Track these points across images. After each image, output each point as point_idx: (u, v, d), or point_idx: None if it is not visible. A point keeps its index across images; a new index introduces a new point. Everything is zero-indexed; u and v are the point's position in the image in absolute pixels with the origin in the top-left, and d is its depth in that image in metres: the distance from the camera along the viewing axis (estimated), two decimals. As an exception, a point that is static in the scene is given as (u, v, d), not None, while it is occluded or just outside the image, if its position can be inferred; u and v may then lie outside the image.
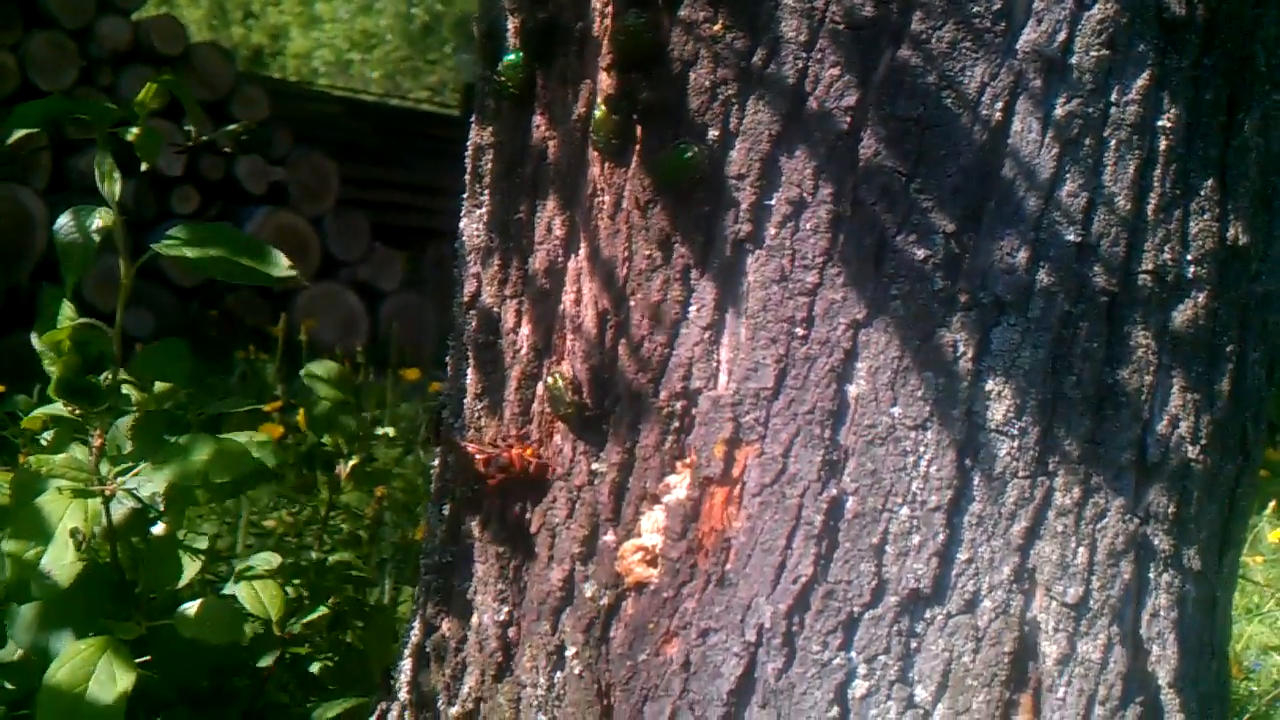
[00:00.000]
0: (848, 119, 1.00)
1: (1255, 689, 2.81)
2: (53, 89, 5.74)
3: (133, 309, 5.37)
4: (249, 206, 5.94)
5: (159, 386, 1.51)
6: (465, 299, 1.19)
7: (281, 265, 1.31)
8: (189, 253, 1.30)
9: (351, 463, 1.78)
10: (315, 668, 1.63)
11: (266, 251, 1.32)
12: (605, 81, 1.05)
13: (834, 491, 1.00)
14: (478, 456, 1.10)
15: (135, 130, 1.45)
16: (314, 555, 1.88)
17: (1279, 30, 1.08)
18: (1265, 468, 5.39)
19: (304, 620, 1.54)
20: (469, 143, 1.20)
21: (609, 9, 1.04)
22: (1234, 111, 1.06)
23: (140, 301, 5.36)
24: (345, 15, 15.10)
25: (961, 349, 1.00)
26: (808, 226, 1.01)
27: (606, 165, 1.06)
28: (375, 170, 7.31)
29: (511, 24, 1.11)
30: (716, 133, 1.02)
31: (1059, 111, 0.99)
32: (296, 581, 1.66)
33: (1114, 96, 1.00)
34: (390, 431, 2.73)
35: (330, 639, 1.76)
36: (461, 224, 1.21)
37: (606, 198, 1.06)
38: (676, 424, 1.04)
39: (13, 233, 5.24)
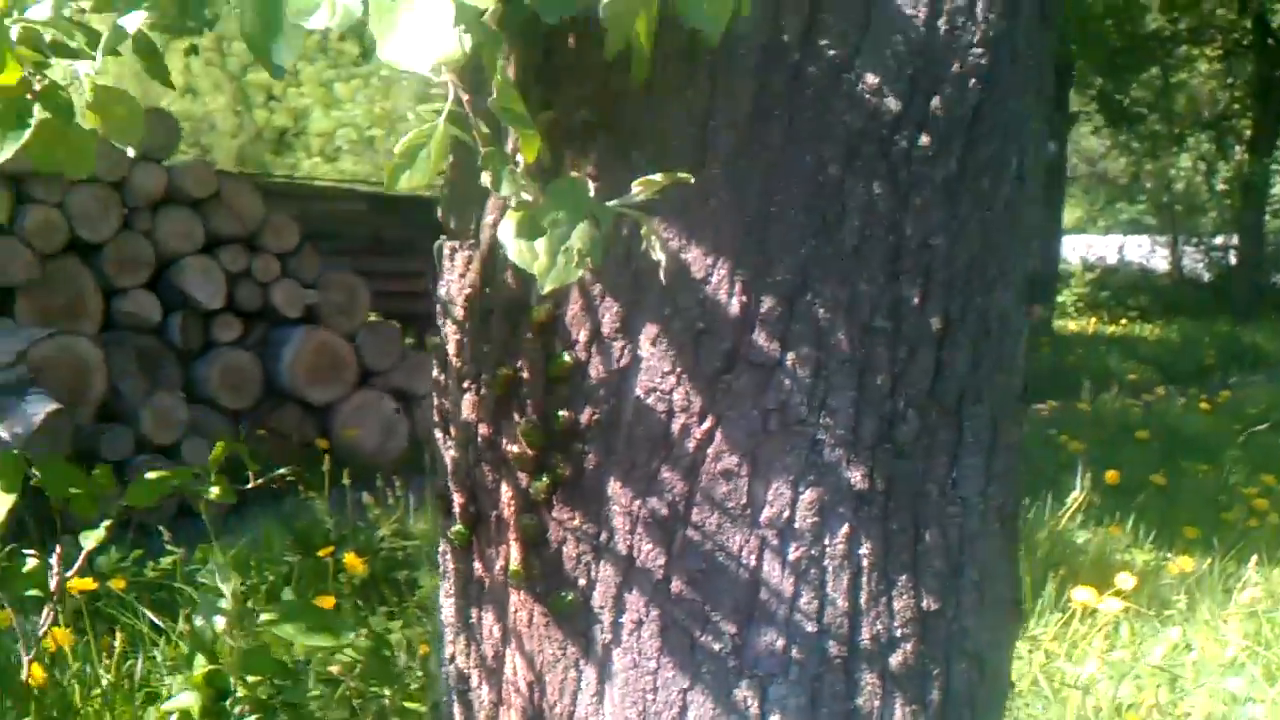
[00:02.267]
0: (663, 571, 1.61)
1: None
2: (97, 240, 6.34)
3: (190, 439, 6.02)
4: (286, 328, 6.61)
5: None
6: (447, 657, 1.82)
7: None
8: None
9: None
10: None
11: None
12: (516, 550, 1.67)
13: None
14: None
15: (215, 490, 2.10)
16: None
17: (947, 469, 1.68)
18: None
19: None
20: (439, 550, 1.83)
21: (513, 504, 1.67)
22: (919, 528, 1.67)
23: (196, 431, 6.02)
24: (363, 99, 15.73)
25: None
26: (645, 637, 1.63)
27: (522, 593, 1.68)
28: (399, 263, 7.94)
29: (457, 499, 1.74)
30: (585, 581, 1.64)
31: (792, 555, 1.61)
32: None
33: (826, 541, 1.61)
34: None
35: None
36: (440, 595, 1.84)
37: (523, 613, 1.68)
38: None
39: (71, 380, 5.83)
